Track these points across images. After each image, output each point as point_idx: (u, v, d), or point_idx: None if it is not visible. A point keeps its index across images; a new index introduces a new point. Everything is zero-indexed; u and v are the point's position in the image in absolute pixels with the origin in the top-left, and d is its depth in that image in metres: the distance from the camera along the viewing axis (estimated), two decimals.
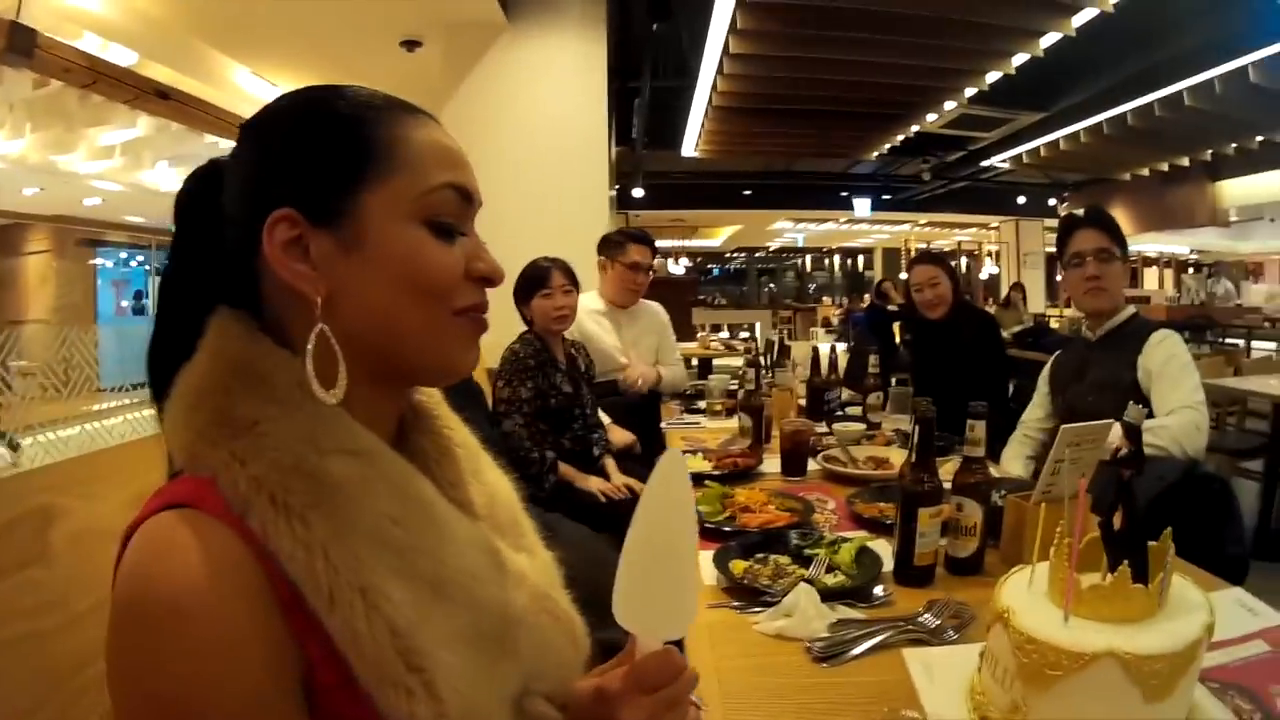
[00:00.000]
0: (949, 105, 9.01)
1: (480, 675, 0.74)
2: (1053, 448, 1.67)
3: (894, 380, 3.52)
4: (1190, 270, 13.53)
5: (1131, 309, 2.74)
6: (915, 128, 10.13)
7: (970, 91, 8.38)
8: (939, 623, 1.44)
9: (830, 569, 1.71)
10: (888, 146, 11.32)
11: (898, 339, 5.07)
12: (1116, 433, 2.11)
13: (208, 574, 0.64)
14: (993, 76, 7.79)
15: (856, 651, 1.36)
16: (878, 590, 1.63)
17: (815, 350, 3.66)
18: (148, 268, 18.37)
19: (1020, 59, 7.19)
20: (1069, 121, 10.02)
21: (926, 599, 1.54)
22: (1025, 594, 1.16)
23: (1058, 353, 3.01)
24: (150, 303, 18.00)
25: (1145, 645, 1.00)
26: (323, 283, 0.74)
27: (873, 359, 3.53)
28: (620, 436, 3.58)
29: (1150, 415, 2.40)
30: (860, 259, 25.71)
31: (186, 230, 0.82)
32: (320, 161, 0.75)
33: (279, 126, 0.78)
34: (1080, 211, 2.82)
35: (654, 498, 0.76)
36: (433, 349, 0.79)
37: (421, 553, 0.74)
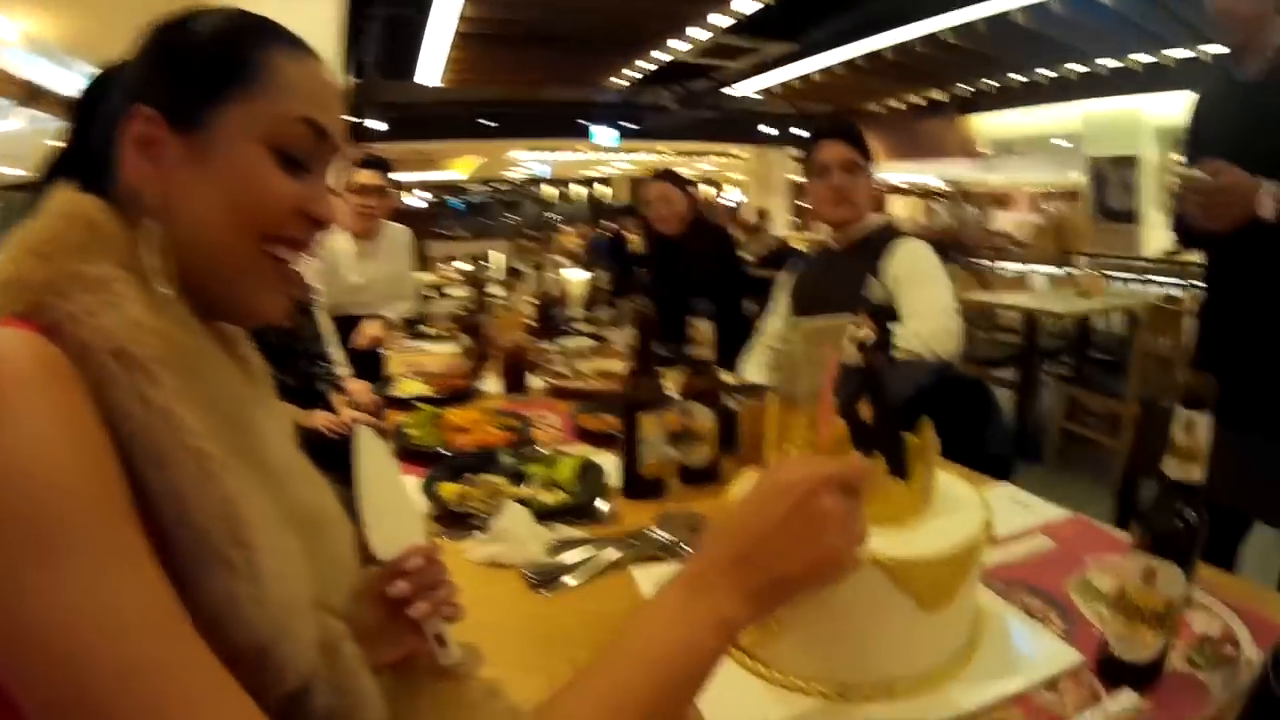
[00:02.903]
0: (697, 32, 8.98)
1: (296, 568, 0.71)
2: (788, 345, 1.54)
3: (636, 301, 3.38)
4: (940, 198, 14.56)
5: (883, 219, 2.67)
6: (663, 55, 10.07)
7: (719, 19, 8.36)
8: (672, 537, 1.27)
9: (550, 486, 1.53)
10: (636, 75, 11.23)
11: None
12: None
13: (41, 360, 0.61)
14: (743, 4, 7.77)
15: (576, 575, 1.19)
16: (600, 506, 1.44)
17: (539, 268, 3.47)
18: None
19: None
20: (820, 52, 10.16)
21: (658, 512, 1.36)
22: None
23: (798, 262, 2.93)
24: None
25: (913, 549, 0.86)
26: (160, 185, 0.74)
27: (603, 275, 3.38)
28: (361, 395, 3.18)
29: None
30: (606, 189, 25.85)
31: (77, 122, 0.81)
32: (193, 69, 0.76)
33: (171, 31, 0.79)
34: (827, 123, 2.72)
35: (362, 467, 0.93)
36: (238, 279, 0.78)
37: (251, 435, 0.74)
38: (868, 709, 0.88)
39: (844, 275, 2.54)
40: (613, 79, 11.77)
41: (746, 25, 8.71)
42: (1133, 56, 9.29)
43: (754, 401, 1.65)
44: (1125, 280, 7.88)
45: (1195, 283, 6.08)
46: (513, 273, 4.28)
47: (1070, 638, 1.04)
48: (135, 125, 0.74)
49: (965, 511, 0.97)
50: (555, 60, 10.51)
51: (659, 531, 1.29)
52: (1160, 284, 7.19)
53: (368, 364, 3.34)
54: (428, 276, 6.67)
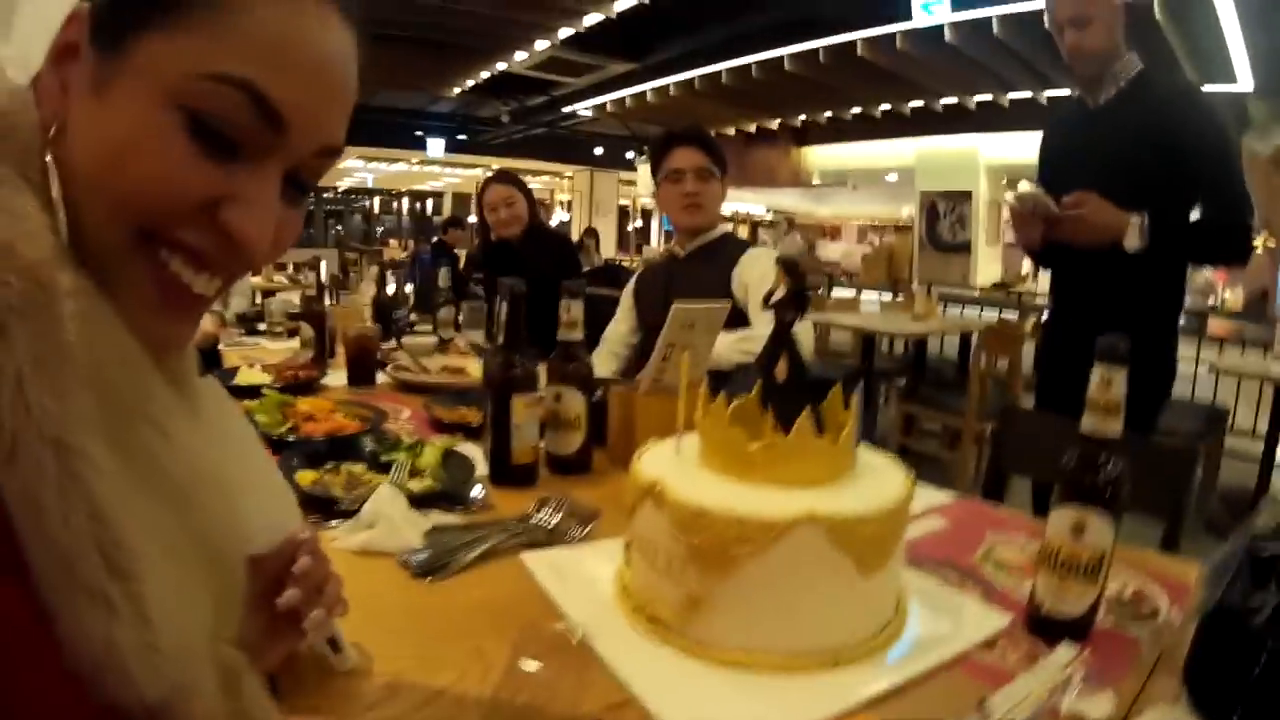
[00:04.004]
0: (541, 45, 8.86)
1: (197, 600, 0.55)
2: (664, 330, 1.49)
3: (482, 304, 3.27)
4: (768, 226, 14.98)
5: (726, 228, 2.67)
6: (502, 65, 9.91)
7: (565, 32, 8.25)
8: (557, 521, 1.18)
9: (414, 474, 1.42)
10: (470, 83, 11.01)
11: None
12: (728, 342, 2.01)
13: None
14: (591, 19, 7.69)
15: (466, 560, 1.08)
16: (476, 491, 1.35)
17: (382, 267, 3.32)
18: None
19: (623, 3, 7.11)
20: (661, 75, 10.14)
21: (536, 499, 1.27)
22: (675, 465, 0.92)
23: (642, 269, 2.90)
24: None
25: (851, 506, 0.81)
26: (60, 111, 0.55)
27: (444, 272, 3.27)
28: None
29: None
30: (430, 203, 25.34)
31: None
32: None
33: None
34: (680, 129, 2.66)
35: (220, 431, 0.70)
36: (107, 275, 0.54)
37: (146, 421, 0.54)
38: (816, 680, 0.82)
39: (691, 279, 2.51)
40: (454, 89, 11.51)
41: (591, 42, 8.64)
42: (968, 96, 9.75)
43: (623, 388, 1.59)
44: (960, 308, 8.29)
45: (1027, 308, 6.49)
46: (346, 272, 4.10)
47: (991, 603, 1.04)
48: (69, 27, 0.55)
49: (887, 472, 0.94)
50: (393, 64, 10.14)
51: (543, 515, 1.21)
52: (991, 310, 7.63)
53: (202, 362, 3.14)
54: (255, 279, 6.36)
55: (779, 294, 0.98)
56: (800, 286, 0.97)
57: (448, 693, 0.79)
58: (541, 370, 1.51)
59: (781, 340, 0.94)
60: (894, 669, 0.85)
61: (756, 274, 2.43)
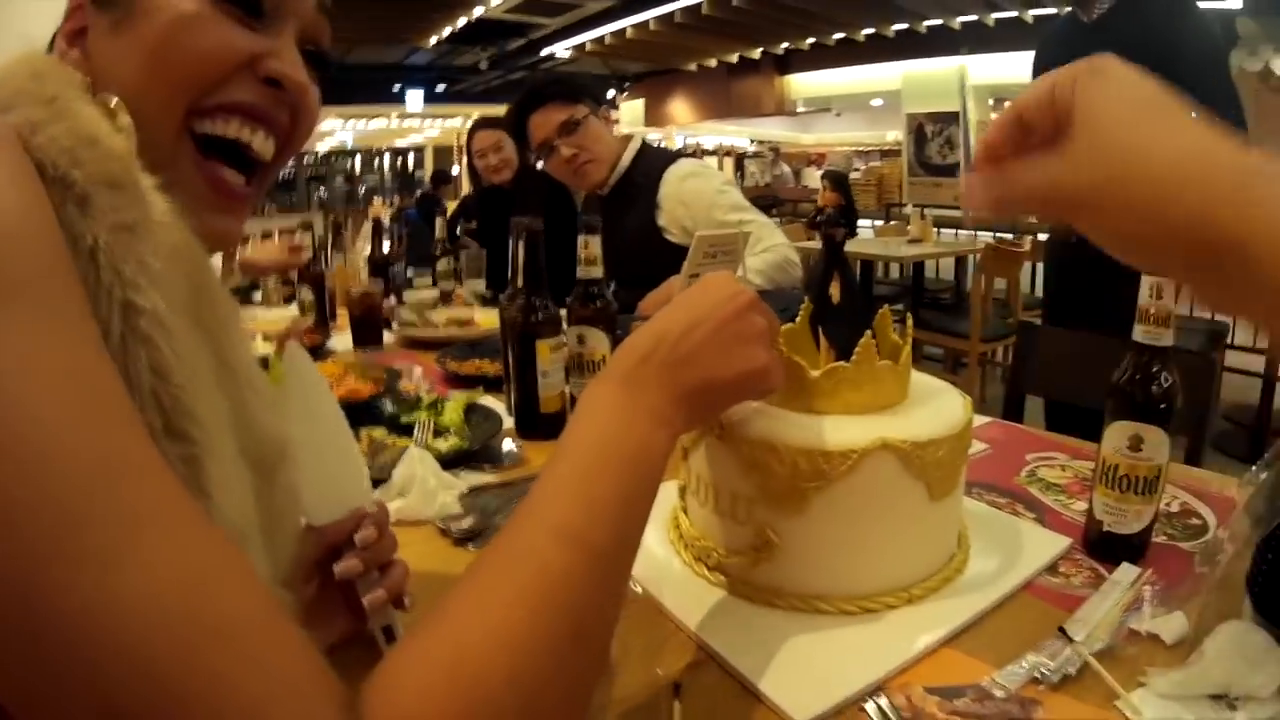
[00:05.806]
0: None
1: (248, 505, 0.53)
2: (686, 260, 1.41)
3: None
4: (753, 157, 14.82)
5: (633, 149, 2.41)
6: (479, 10, 9.68)
7: None
8: None
9: (438, 433, 1.36)
10: (447, 31, 10.77)
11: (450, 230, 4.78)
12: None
13: None
14: None
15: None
16: (507, 446, 1.29)
17: (377, 222, 3.24)
18: None
19: None
20: (640, 9, 9.88)
21: None
22: None
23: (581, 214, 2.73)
24: None
25: (921, 429, 0.76)
26: (90, 70, 0.58)
27: (440, 221, 3.18)
28: None
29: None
30: (411, 158, 25.01)
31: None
32: None
33: None
34: (525, 96, 2.40)
35: (296, 396, 0.73)
36: (169, 182, 0.54)
37: (207, 307, 0.54)
38: (894, 618, 0.78)
39: (620, 231, 2.34)
40: (430, 39, 11.26)
41: None
42: (953, 16, 9.52)
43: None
44: (955, 231, 8.15)
45: (1021, 227, 6.38)
46: (335, 241, 4.05)
47: (1045, 525, 1.01)
48: (74, 16, 0.60)
49: (945, 395, 0.89)
50: (367, 18, 9.87)
51: None
52: (984, 232, 7.49)
53: None
54: (245, 251, 6.30)
55: (826, 212, 0.91)
56: (850, 202, 0.90)
57: None
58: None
59: (833, 260, 0.87)
60: (968, 600, 0.81)
61: (696, 208, 2.27)
